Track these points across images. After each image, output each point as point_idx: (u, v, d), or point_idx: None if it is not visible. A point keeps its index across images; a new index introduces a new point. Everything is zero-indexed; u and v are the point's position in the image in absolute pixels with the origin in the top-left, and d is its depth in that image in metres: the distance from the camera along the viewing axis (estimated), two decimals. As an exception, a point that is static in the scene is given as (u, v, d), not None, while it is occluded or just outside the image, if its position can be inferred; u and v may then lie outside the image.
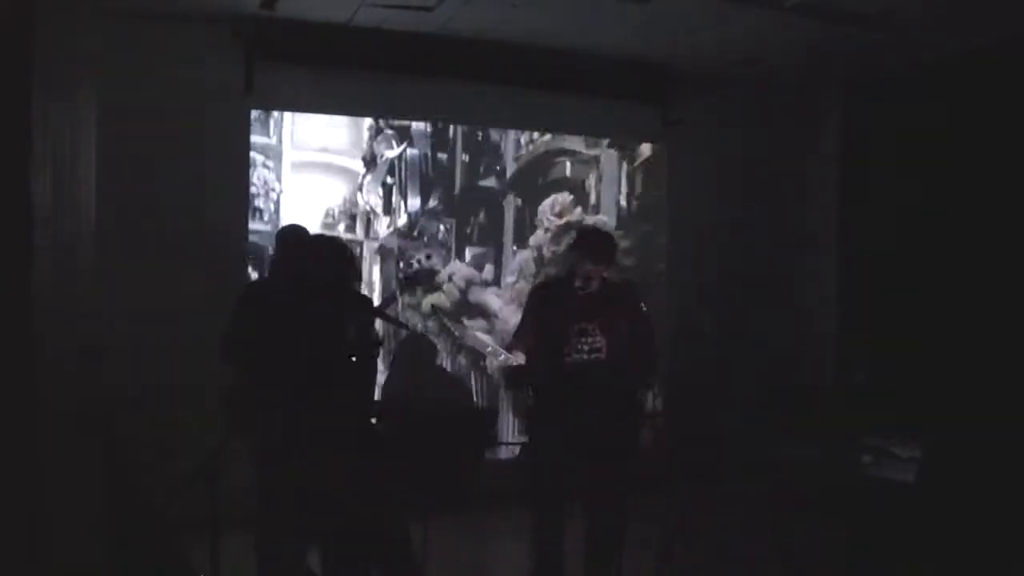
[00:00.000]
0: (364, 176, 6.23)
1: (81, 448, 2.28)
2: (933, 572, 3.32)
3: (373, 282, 6.28)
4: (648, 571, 3.55)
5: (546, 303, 3.87)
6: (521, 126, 6.29)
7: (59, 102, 2.00)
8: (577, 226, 5.99)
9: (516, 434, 5.96)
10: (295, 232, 4.10)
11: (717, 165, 6.66)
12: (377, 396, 5.02)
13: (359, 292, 4.12)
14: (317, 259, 3.52)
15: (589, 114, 6.32)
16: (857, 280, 6.29)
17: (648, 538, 3.40)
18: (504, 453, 5.91)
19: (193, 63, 5.26)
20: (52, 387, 1.88)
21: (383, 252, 6.41)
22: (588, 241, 3.86)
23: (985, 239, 5.31)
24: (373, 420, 3.68)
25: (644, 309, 3.95)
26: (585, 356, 3.71)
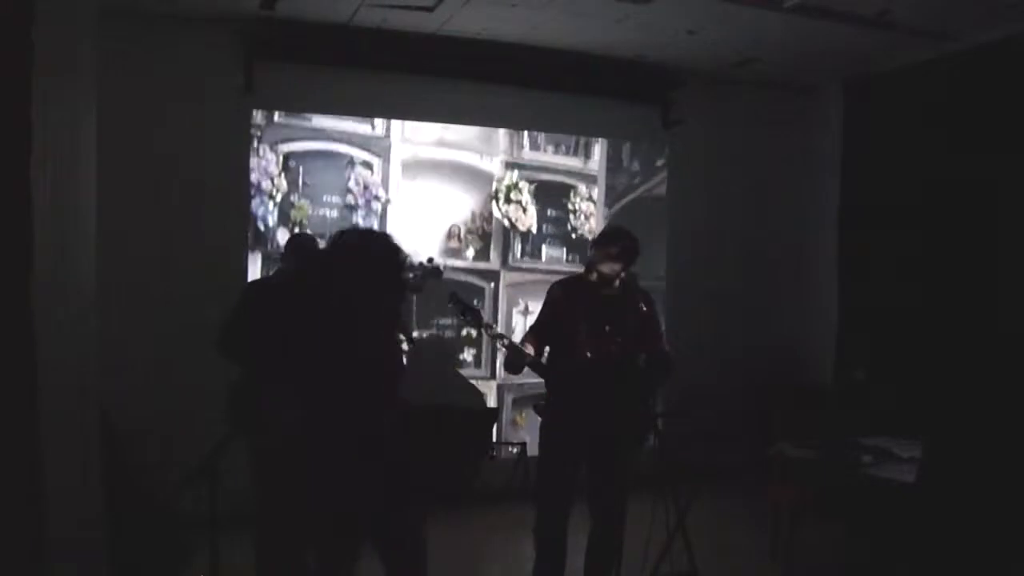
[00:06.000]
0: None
1: (81, 447, 2.28)
2: (933, 572, 3.32)
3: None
4: (648, 571, 3.55)
5: (564, 300, 3.80)
6: (521, 126, 6.28)
7: (59, 102, 2.00)
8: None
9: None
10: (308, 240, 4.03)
11: (717, 165, 6.67)
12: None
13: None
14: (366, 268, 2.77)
15: (589, 114, 6.31)
16: (857, 280, 6.29)
17: (648, 538, 3.40)
18: (504, 453, 5.90)
19: (193, 63, 5.26)
20: (52, 387, 1.88)
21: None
22: (608, 240, 3.74)
23: (986, 239, 5.31)
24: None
25: (658, 311, 3.92)
26: (600, 355, 3.67)
